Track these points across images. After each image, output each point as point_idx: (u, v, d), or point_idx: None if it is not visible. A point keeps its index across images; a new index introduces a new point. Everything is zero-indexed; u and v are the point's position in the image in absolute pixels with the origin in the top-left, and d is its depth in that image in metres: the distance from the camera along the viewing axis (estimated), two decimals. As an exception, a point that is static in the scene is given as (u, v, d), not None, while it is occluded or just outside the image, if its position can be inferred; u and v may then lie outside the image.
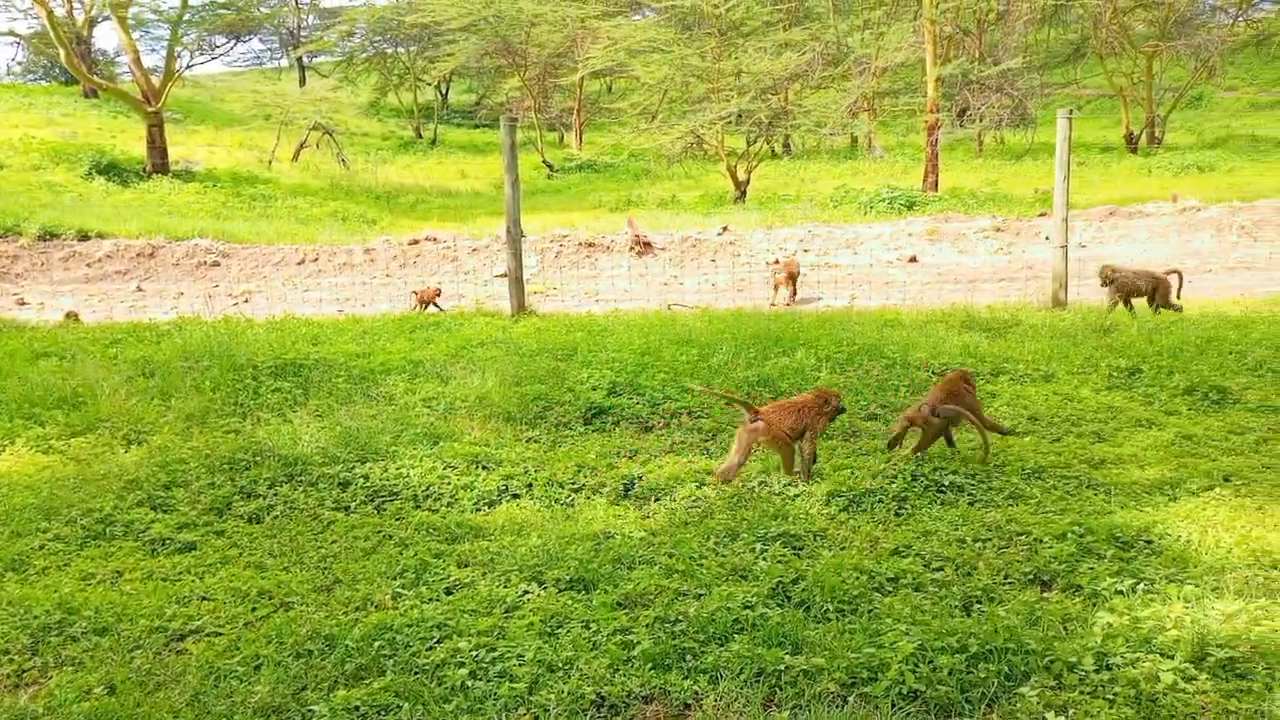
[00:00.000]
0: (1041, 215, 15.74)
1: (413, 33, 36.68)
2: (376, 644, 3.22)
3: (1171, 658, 2.92)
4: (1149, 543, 3.85)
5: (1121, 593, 3.42)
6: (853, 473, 4.78)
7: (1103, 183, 23.77)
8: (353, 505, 4.70)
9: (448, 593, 3.71)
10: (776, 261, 14.32)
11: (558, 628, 3.33)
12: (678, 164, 24.78)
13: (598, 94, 41.73)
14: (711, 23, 23.04)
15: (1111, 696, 2.78)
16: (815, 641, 3.14)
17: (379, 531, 4.37)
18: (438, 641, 3.25)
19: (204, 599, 3.73)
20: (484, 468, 5.07)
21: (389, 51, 42.62)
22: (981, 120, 27.03)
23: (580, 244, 15.48)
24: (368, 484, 4.89)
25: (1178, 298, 8.33)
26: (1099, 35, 30.97)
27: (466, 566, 3.95)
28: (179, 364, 6.88)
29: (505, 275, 10.10)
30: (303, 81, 47.70)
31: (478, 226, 19.68)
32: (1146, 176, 25.19)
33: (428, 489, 4.83)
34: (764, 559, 3.87)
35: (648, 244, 15.46)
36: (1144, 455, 4.99)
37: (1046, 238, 12.75)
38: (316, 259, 15.52)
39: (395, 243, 16.13)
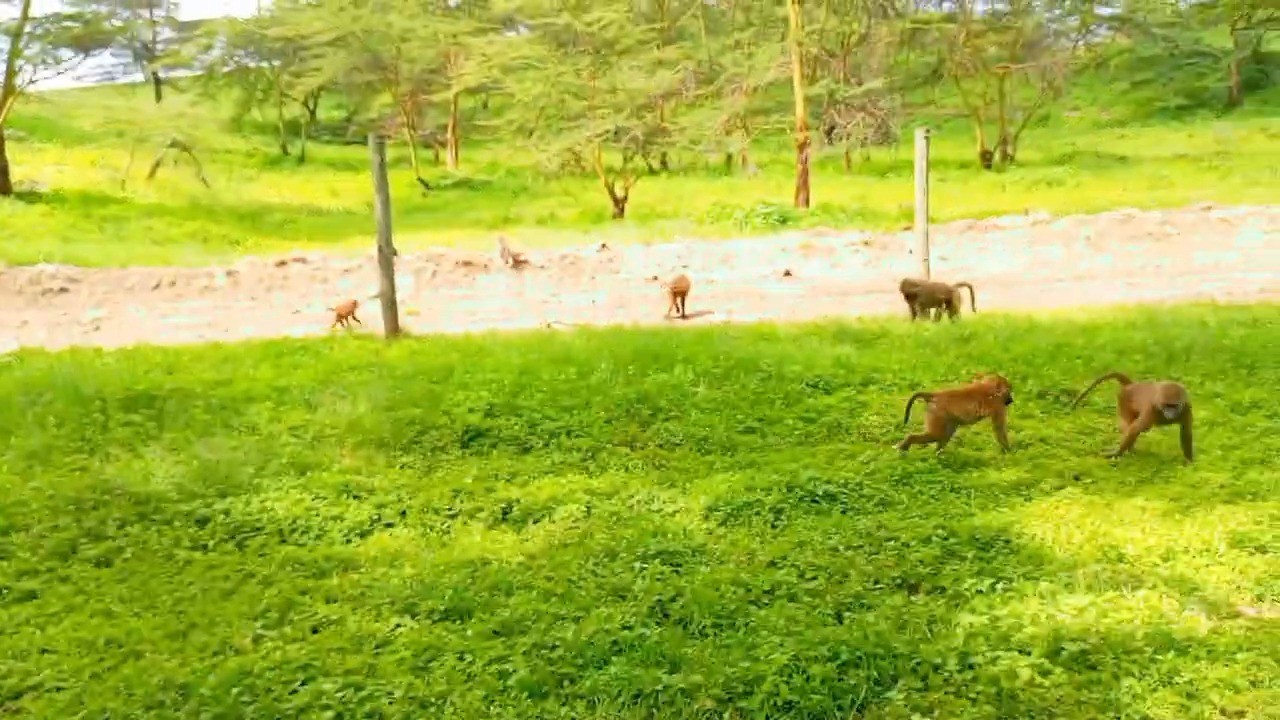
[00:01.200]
0: (906, 229, 16.40)
1: (276, 46, 35.50)
2: (234, 691, 3.04)
3: (1029, 654, 3.04)
4: (1007, 542, 4.03)
5: (982, 592, 3.56)
6: (730, 486, 4.83)
7: (961, 197, 24.97)
8: (211, 543, 4.45)
9: (314, 631, 3.54)
10: (655, 278, 14.47)
11: (431, 661, 3.23)
12: (555, 181, 24.77)
13: (473, 110, 41.35)
14: (585, 40, 23.18)
15: (974, 695, 2.87)
16: (693, 658, 3.14)
17: (240, 570, 4.15)
18: (302, 684, 3.10)
19: (45, 651, 3.45)
20: (355, 497, 4.89)
21: (251, 65, 41.15)
22: (848, 138, 28.06)
23: (457, 263, 15.25)
24: (228, 520, 4.64)
25: (973, 309, 8.99)
26: (954, 58, 32.63)
27: (335, 602, 3.79)
28: (19, 399, 6.40)
29: (378, 297, 9.84)
30: (159, 97, 45.44)
31: (350, 246, 19.13)
32: (1001, 192, 26.60)
33: (294, 522, 4.62)
34: (643, 577, 3.86)
35: (523, 261, 15.36)
36: (1001, 458, 5.22)
37: (910, 251, 13.29)
38: (175, 283, 14.76)
39: (261, 264, 15.51)
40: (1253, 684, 2.89)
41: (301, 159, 39.73)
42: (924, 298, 8.88)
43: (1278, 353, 6.72)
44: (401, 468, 5.39)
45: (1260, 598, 3.48)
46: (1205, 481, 4.67)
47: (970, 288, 9.20)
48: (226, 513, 4.70)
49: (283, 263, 15.53)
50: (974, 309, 9.03)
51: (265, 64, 40.50)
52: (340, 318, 10.69)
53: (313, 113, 46.43)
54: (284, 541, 4.48)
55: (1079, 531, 4.09)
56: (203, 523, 4.63)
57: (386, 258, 9.30)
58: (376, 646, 3.35)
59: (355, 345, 8.65)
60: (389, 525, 4.64)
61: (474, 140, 38.90)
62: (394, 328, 9.29)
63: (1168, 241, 15.14)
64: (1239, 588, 3.55)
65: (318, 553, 4.30)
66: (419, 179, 31.46)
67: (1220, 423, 5.64)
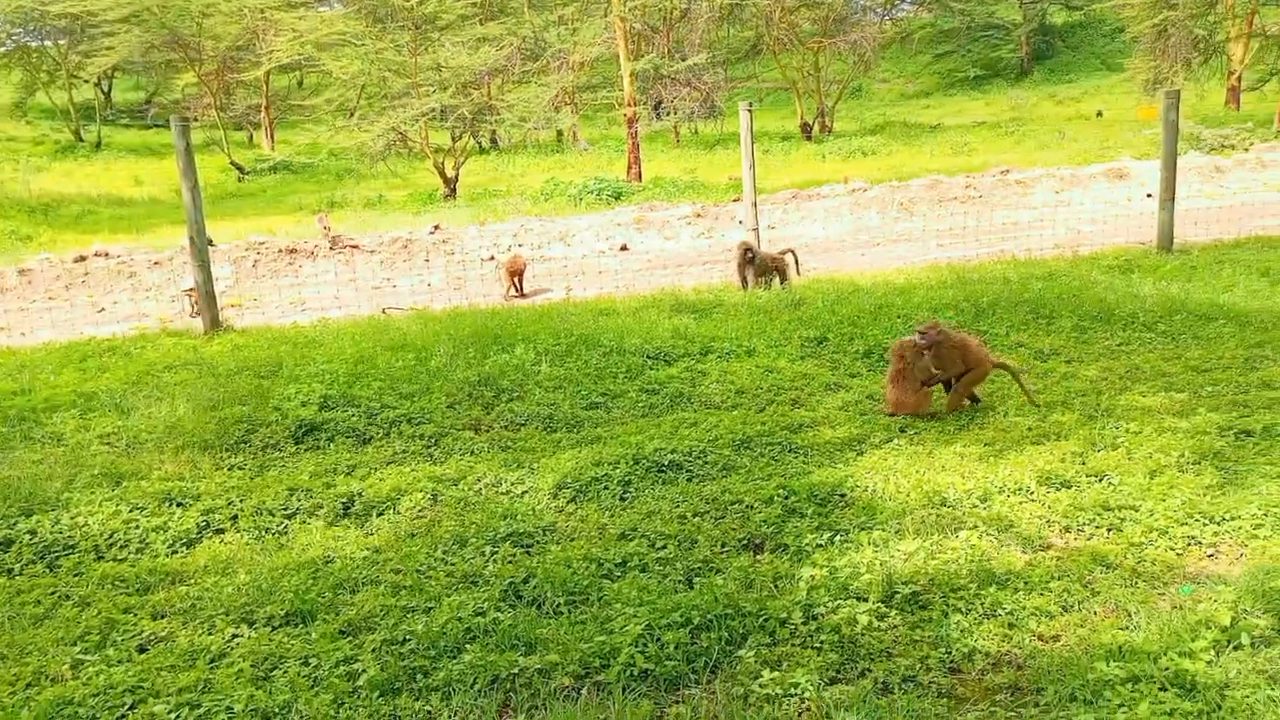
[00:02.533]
0: (735, 200, 16.84)
1: (61, 24, 32.54)
2: (53, 724, 2.80)
3: (866, 600, 3.20)
4: (842, 496, 4.22)
5: (821, 546, 3.71)
6: (578, 462, 4.83)
7: (785, 168, 25.87)
8: (17, 567, 4.07)
9: (141, 650, 3.31)
10: (492, 258, 14.25)
11: (273, 670, 3.07)
12: (382, 162, 23.94)
13: (287, 90, 39.33)
14: (404, 16, 22.42)
15: (819, 645, 3.00)
16: (548, 638, 3.13)
17: (53, 592, 3.82)
18: (130, 708, 2.89)
19: None
20: (179, 505, 4.59)
21: (33, 45, 37.55)
22: (675, 113, 28.46)
23: (280, 250, 14.52)
24: (35, 540, 4.25)
25: (798, 273, 9.46)
26: (771, 33, 33.62)
27: (163, 618, 3.55)
28: None
29: (192, 290, 9.23)
30: (-77, 79, 40.88)
31: (159, 237, 17.91)
32: (821, 161, 27.73)
33: (111, 537, 4.29)
34: (494, 561, 3.81)
35: (350, 244, 14.79)
36: (834, 416, 5.46)
37: (740, 221, 13.65)
38: (-43, 285, 13.36)
39: (58, 261, 14.26)
40: (1064, 609, 3.16)
41: (98, 145, 36.74)
42: (760, 264, 9.16)
43: (1072, 303, 7.32)
44: (230, 470, 5.10)
45: (1068, 529, 3.79)
46: (1014, 426, 5.04)
47: (794, 253, 9.55)
48: (33, 532, 4.31)
49: (82, 258, 14.33)
50: (798, 273, 9.39)
51: (49, 43, 37.04)
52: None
53: (107, 95, 42.98)
54: (101, 558, 4.15)
55: (906, 480, 4.33)
56: (6, 545, 4.23)
57: (200, 248, 8.73)
58: (212, 660, 3.16)
59: (170, 343, 8.09)
60: (219, 531, 4.38)
61: (291, 121, 37.04)
62: (213, 321, 8.75)
63: (972, 204, 16.21)
64: (1049, 522, 3.86)
65: (140, 567, 4.01)
66: (232, 163, 29.71)
67: (1025, 370, 6.08)
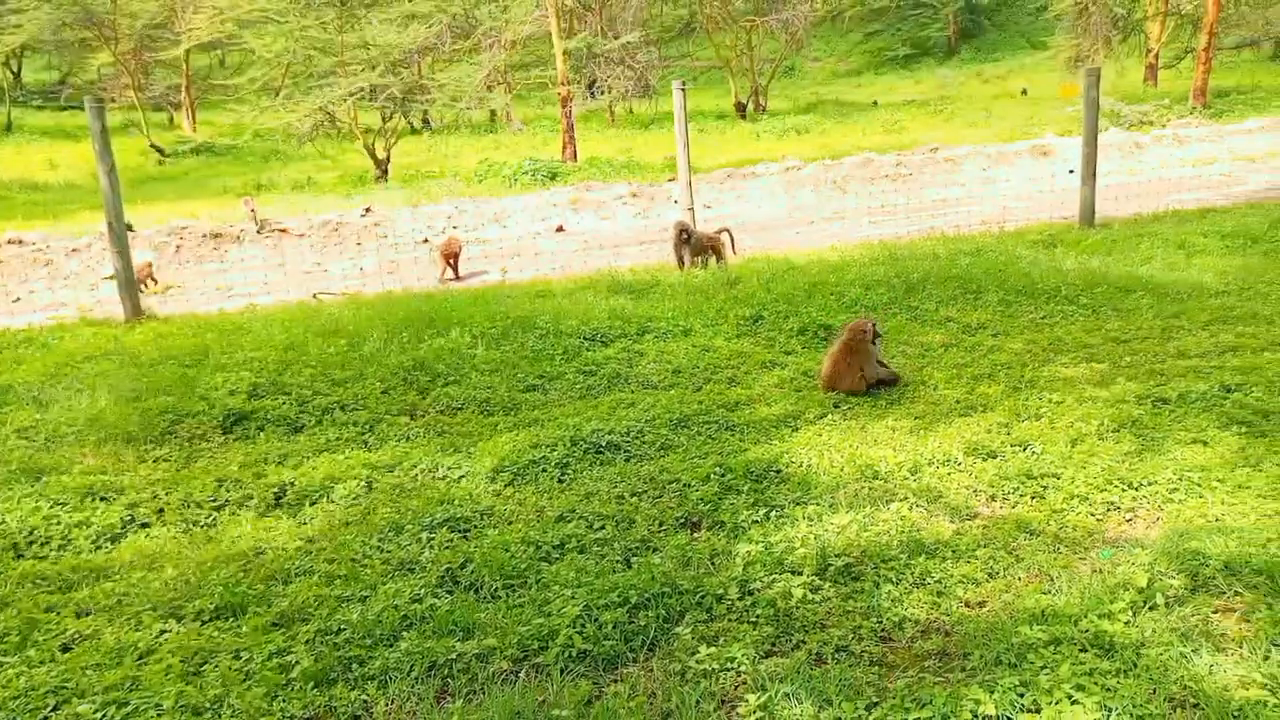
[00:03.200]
0: (671, 180, 16.83)
1: (-37, 0, 30.99)
2: (-30, 730, 2.71)
3: (800, 574, 3.26)
4: (778, 472, 4.27)
5: (757, 522, 3.76)
6: (515, 445, 4.80)
7: (720, 147, 25.92)
8: (-70, 569, 3.91)
9: (64, 650, 3.21)
10: (426, 241, 14.05)
11: (203, 664, 3.01)
12: (310, 143, 23.35)
13: (209, 69, 38.15)
14: (329, -8, 21.84)
15: (755, 619, 3.04)
16: (486, 623, 3.12)
17: (-32, 595, 3.68)
18: (54, 709, 2.81)
19: None
20: (102, 499, 4.45)
21: (-66, 22, 35.72)
22: (610, 92, 28.29)
23: (205, 235, 14.11)
24: (-52, 540, 4.09)
25: (733, 251, 9.53)
26: (704, 11, 33.58)
27: (87, 615, 3.45)
28: None
29: (113, 277, 8.93)
30: None
31: (76, 223, 17.23)
32: (756, 140, 27.86)
33: (30, 534, 4.15)
34: (430, 547, 3.78)
35: (278, 228, 14.45)
36: (770, 394, 5.52)
37: (676, 201, 13.66)
38: None
39: (-32, 249, 13.65)
40: (990, 576, 3.25)
41: (9, 127, 35.19)
42: (697, 243, 9.19)
43: (998, 278, 7.49)
44: (155, 462, 4.96)
45: (993, 498, 3.90)
46: (944, 398, 5.15)
47: (729, 232, 9.61)
48: (-55, 533, 4.14)
49: (-6, 246, 13.75)
50: (734, 251, 9.46)
51: (-50, 19, 35.23)
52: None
53: (17, 75, 41.16)
54: (20, 556, 4.01)
55: (839, 455, 4.40)
56: (-84, 547, 4.06)
57: (119, 234, 8.44)
58: (139, 657, 3.08)
59: (90, 333, 7.82)
60: (144, 526, 4.26)
61: (213, 102, 35.90)
62: (135, 310, 8.48)
63: (903, 181, 16.47)
64: (976, 491, 3.96)
65: (62, 564, 3.89)
66: (152, 145, 28.73)
67: (954, 344, 6.23)
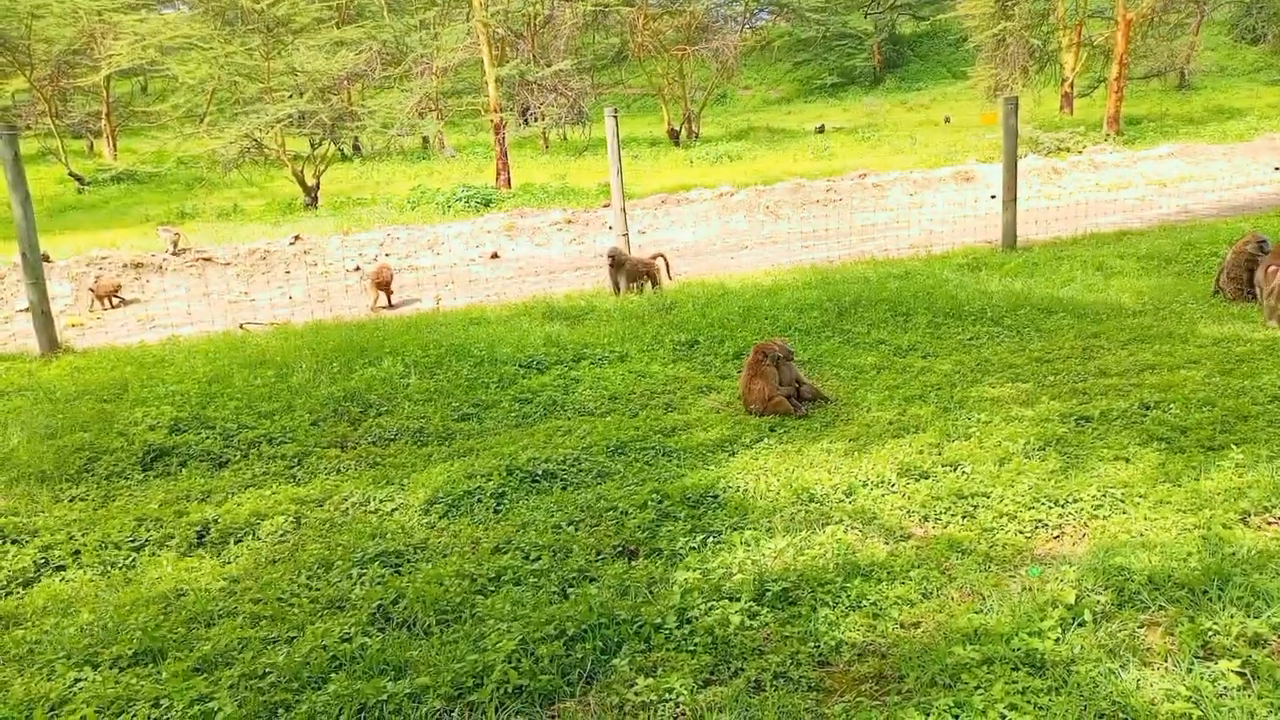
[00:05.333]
0: (605, 206, 16.89)
1: None
2: None
3: (738, 600, 3.24)
4: (715, 498, 4.27)
5: (695, 549, 3.74)
6: (449, 476, 4.72)
7: (654, 173, 26.14)
8: None
9: (-31, 705, 3.03)
10: (358, 269, 13.85)
11: (120, 714, 2.87)
12: (236, 170, 22.91)
13: (130, 95, 37.24)
14: (255, 18, 21.53)
15: (693, 648, 3.02)
16: (419, 660, 3.04)
17: None
18: (-45, 771, 2.65)
19: None
20: (13, 542, 4.25)
21: None
22: (543, 119, 28.35)
23: (125, 265, 13.70)
24: None
25: (668, 276, 9.60)
26: (636, 40, 33.94)
27: (-4, 666, 3.27)
28: None
29: (27, 310, 8.59)
30: None
31: (-11, 254, 16.59)
32: (689, 166, 28.15)
33: (-66, 581, 3.93)
34: (361, 584, 3.68)
35: (201, 256, 14.10)
36: (706, 419, 5.53)
37: (610, 227, 13.70)
38: None
39: None
40: (924, 596, 3.28)
41: (-86, 155, 33.75)
42: (629, 271, 9.22)
43: (926, 300, 7.65)
44: (70, 502, 4.76)
45: (926, 518, 3.95)
46: (876, 420, 5.22)
47: (664, 257, 9.67)
48: None
49: (-102, 278, 13.14)
50: (669, 276, 9.51)
51: None
52: (100, 298, 11.77)
53: (-76, 100, 39.61)
54: (-78, 606, 3.79)
55: (776, 479, 4.42)
56: None
57: (34, 265, 8.13)
58: (51, 708, 2.93)
59: (2, 368, 7.50)
60: (59, 569, 4.08)
61: (134, 129, 35.04)
62: (51, 343, 8.17)
63: (833, 206, 16.78)
64: (909, 512, 4.01)
65: (-32, 612, 3.69)
66: (71, 173, 27.87)
67: (885, 366, 6.33)
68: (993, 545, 3.63)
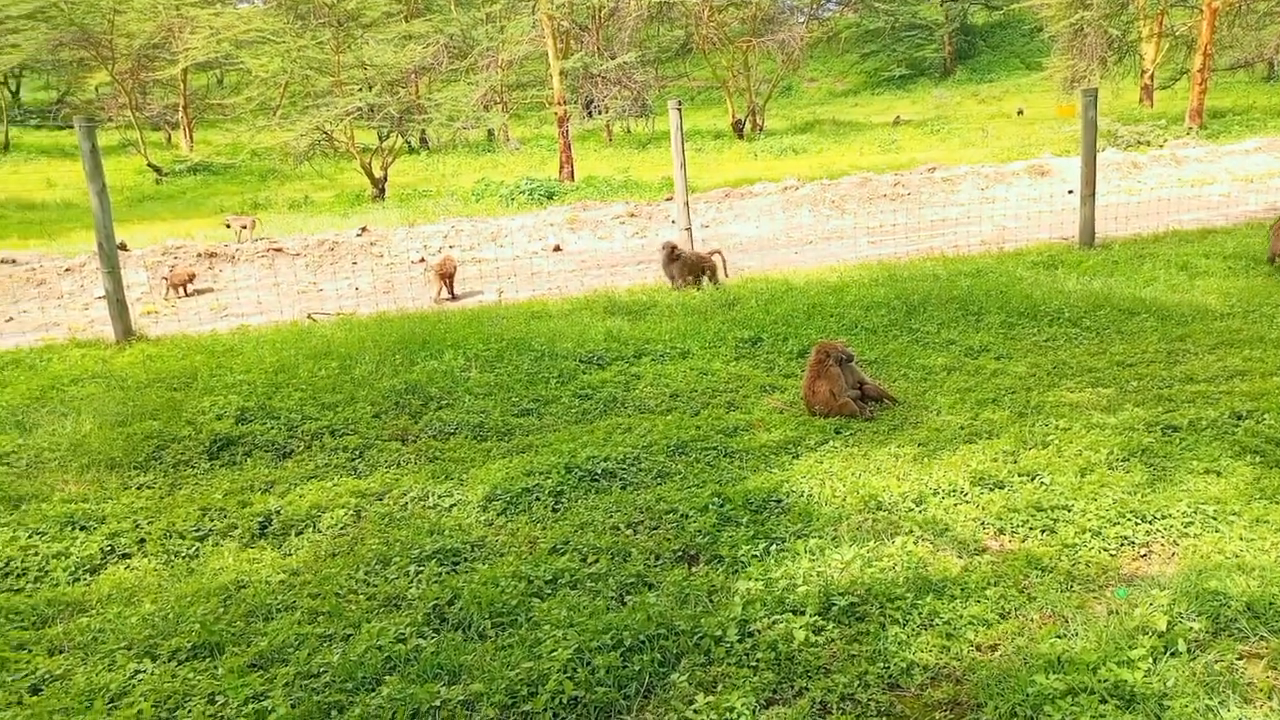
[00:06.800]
0: (668, 199, 16.77)
1: (-38, 19, 31.02)
2: (-73, 783, 2.56)
3: (803, 613, 3.11)
4: (778, 502, 4.13)
5: (757, 556, 3.61)
6: (508, 473, 4.67)
7: (717, 167, 25.93)
8: (-100, 603, 3.77)
9: (34, 692, 3.06)
10: (422, 260, 13.96)
11: (176, 709, 2.86)
12: (306, 162, 23.33)
13: (206, 88, 38.21)
14: (326, 12, 21.86)
15: (755, 663, 2.89)
16: (473, 665, 2.98)
17: (-62, 630, 3.54)
18: (16, 761, 2.66)
19: None
20: (82, 528, 4.31)
21: (-68, 41, 35.79)
22: (607, 112, 28.31)
23: (200, 255, 14.00)
24: (-78, 572, 3.96)
25: (724, 273, 9.36)
26: (700, 32, 33.69)
27: (60, 653, 3.30)
28: None
29: (104, 298, 8.81)
30: None
31: (71, 242, 17.17)
32: (753, 160, 27.87)
33: (7, 565, 4.01)
34: (418, 582, 3.64)
35: (273, 247, 14.36)
36: (770, 419, 5.39)
37: (673, 221, 13.58)
38: None
39: (-41, 268, 13.54)
40: (1002, 616, 3.11)
41: (6, 146, 35.21)
42: (684, 265, 9.10)
43: (1000, 299, 7.38)
44: (138, 489, 4.82)
45: (1002, 531, 3.76)
46: (947, 425, 5.02)
47: (721, 254, 9.51)
48: (-81, 564, 4.00)
49: (-14, 265, 13.64)
50: (726, 274, 9.36)
51: (-51, 38, 35.29)
52: (174, 287, 12.16)
53: (15, 94, 41.24)
54: (-6, 590, 3.87)
55: (841, 484, 4.27)
56: (-113, 580, 3.92)
57: (109, 254, 8.32)
58: (110, 701, 2.94)
59: (78, 355, 7.69)
60: (125, 557, 4.12)
61: (210, 121, 35.99)
62: (126, 331, 8.35)
63: (901, 201, 16.41)
64: (984, 524, 3.82)
65: (38, 597, 3.75)
66: (149, 164, 28.70)
67: (956, 367, 6.11)
68: (1075, 563, 3.43)
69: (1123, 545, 3.56)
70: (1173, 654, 2.76)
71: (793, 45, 34.85)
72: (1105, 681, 2.62)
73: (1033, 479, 4.18)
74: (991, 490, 4.11)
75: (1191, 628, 2.87)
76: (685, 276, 9.06)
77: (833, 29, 47.67)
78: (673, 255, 9.06)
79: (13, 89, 40.81)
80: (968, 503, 4.02)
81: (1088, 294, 7.50)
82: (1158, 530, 3.63)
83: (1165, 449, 4.39)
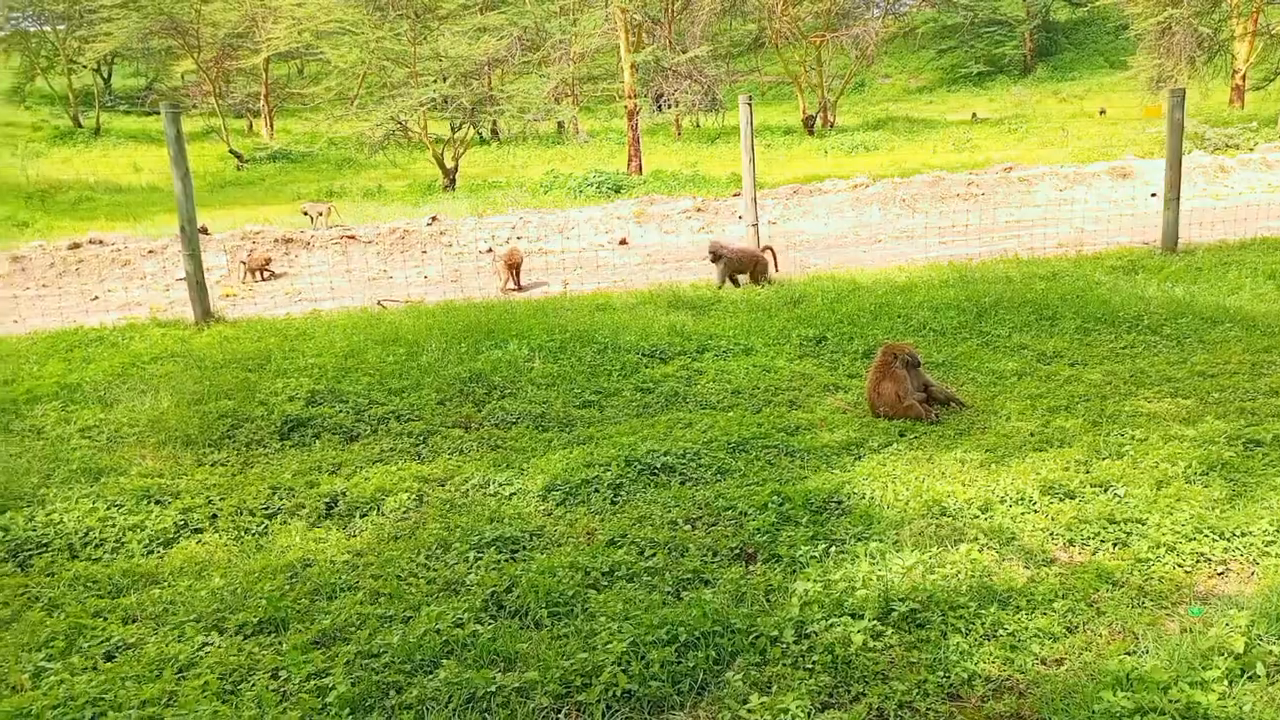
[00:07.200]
0: (736, 195, 16.66)
1: (59, 8, 32.33)
2: (7, 739, 2.68)
3: (861, 617, 3.06)
4: (839, 504, 4.08)
5: (816, 558, 3.57)
6: (568, 463, 4.69)
7: (786, 163, 25.70)
8: (-13, 566, 3.95)
9: (108, 659, 3.18)
10: (490, 250, 14.11)
11: (240, 683, 2.94)
12: (381, 152, 23.76)
13: (287, 78, 39.16)
14: (404, 4, 22.21)
15: (811, 666, 2.86)
16: (528, 653, 3.00)
17: (23, 593, 3.70)
18: (90, 722, 2.77)
19: None
20: (157, 502, 4.46)
21: (32, 30, 37.34)
22: (676, 105, 28.27)
23: (277, 240, 14.36)
24: (8, 537, 4.13)
25: (775, 270, 9.23)
26: (774, 26, 33.40)
27: (133, 623, 3.42)
28: None
29: (184, 280, 9.09)
30: (-78, 63, 40.68)
31: (155, 225, 17.77)
32: (823, 156, 27.55)
33: (86, 535, 4.17)
34: (477, 568, 3.68)
35: (346, 234, 14.66)
36: (833, 418, 5.32)
37: (740, 216, 13.50)
38: (-52, 271, 13.22)
39: (51, 248, 14.11)
40: (1069, 630, 3.02)
41: (97, 131, 36.56)
42: (730, 262, 9.06)
43: (1075, 304, 7.18)
44: (212, 466, 4.97)
45: (1072, 543, 3.65)
46: (1017, 431, 4.90)
47: (772, 250, 9.40)
48: (6, 529, 4.19)
49: (77, 245, 14.19)
50: (776, 270, 9.26)
51: (48, 28, 36.80)
52: (252, 271, 12.43)
53: (107, 81, 42.79)
54: (75, 558, 4.03)
55: (905, 488, 4.19)
56: (-23, 543, 4.10)
57: (191, 237, 8.58)
58: (179, 671, 3.03)
59: (159, 334, 7.96)
60: (197, 531, 4.25)
61: (290, 109, 36.89)
62: (205, 312, 8.61)
63: (974, 201, 16.05)
64: (1052, 535, 3.72)
65: (114, 568, 3.89)
66: (231, 151, 29.54)
67: (1028, 373, 5.96)
68: (1147, 578, 3.32)
69: (1199, 562, 3.43)
70: (1250, 677, 2.64)
71: (867, 41, 34.34)
72: (1176, 702, 2.53)
73: (1106, 490, 4.05)
74: (1062, 500, 4.00)
75: (1271, 651, 2.75)
76: (726, 276, 9.05)
77: (909, 24, 46.83)
78: (716, 255, 9.06)
79: (105, 76, 42.34)
80: (1036, 512, 3.91)
81: (1169, 301, 7.25)
82: (1236, 548, 3.49)
83: (1246, 464, 4.22)
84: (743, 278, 9.15)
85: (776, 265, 9.33)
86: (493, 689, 2.79)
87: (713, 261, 9.09)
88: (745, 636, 2.99)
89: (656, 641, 2.94)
